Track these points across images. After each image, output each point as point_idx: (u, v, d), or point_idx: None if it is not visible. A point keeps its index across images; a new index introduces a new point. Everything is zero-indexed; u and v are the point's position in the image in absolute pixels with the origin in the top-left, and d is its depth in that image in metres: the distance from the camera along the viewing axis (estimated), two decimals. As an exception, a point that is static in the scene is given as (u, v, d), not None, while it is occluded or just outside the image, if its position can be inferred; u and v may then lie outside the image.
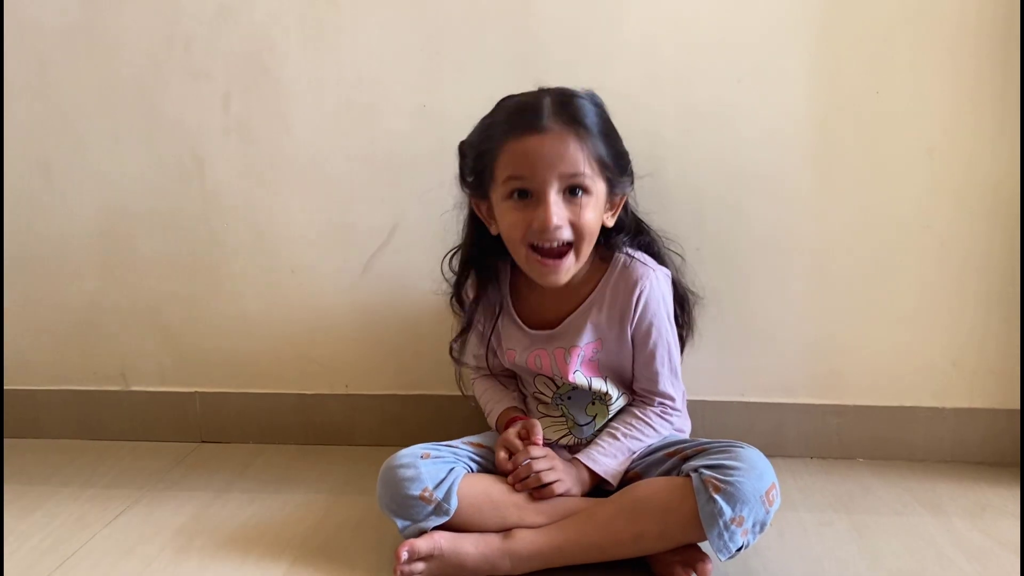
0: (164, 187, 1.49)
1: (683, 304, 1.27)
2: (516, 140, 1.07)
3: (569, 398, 1.22)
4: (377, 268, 1.48)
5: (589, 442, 1.20)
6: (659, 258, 1.24)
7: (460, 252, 1.25)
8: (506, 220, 1.11)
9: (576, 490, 1.13)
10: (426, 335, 1.49)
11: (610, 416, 1.22)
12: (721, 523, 0.99)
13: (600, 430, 1.21)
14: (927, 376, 1.42)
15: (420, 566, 1.05)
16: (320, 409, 1.54)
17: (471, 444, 1.20)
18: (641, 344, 1.19)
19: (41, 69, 1.47)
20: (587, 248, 1.12)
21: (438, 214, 1.43)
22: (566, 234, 1.08)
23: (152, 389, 1.58)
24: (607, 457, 1.16)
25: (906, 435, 1.43)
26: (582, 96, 1.10)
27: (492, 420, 1.27)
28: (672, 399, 1.22)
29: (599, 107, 1.12)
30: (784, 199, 1.39)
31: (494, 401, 1.28)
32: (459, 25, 1.38)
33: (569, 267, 1.12)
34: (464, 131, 1.36)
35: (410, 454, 1.10)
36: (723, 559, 1.00)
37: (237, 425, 1.56)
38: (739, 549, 1.01)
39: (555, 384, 1.22)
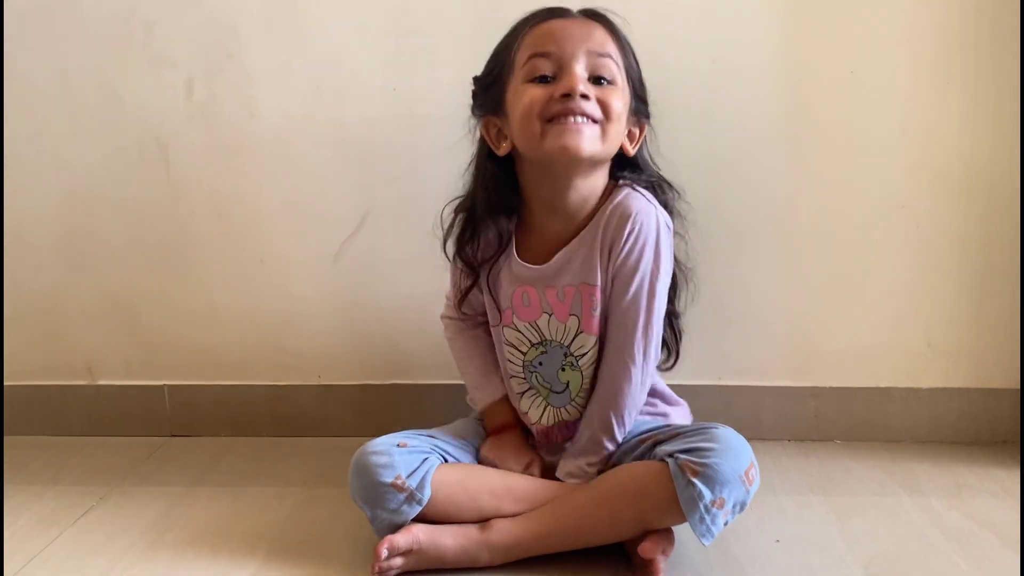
0: (127, 175, 1.46)
1: (674, 283, 1.17)
2: (539, 24, 1.03)
3: (540, 364, 1.15)
4: (348, 256, 1.46)
5: (576, 414, 1.15)
6: (666, 206, 1.13)
7: (465, 199, 1.15)
8: (523, 99, 1.01)
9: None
10: (399, 324, 1.47)
11: (584, 380, 1.13)
12: (702, 507, 0.97)
13: (576, 398, 1.14)
14: (903, 357, 1.42)
15: (398, 561, 1.03)
16: (292, 400, 1.52)
17: (449, 433, 1.18)
18: (618, 292, 1.08)
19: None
20: (614, 135, 1.03)
21: (410, 200, 1.41)
22: (593, 109, 1.00)
23: (119, 383, 1.55)
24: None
25: (883, 416, 1.43)
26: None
27: (476, 404, 1.22)
28: (632, 364, 1.09)
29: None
30: (758, 181, 1.38)
31: (480, 380, 1.22)
32: (426, 4, 1.36)
33: (594, 138, 1.01)
34: (436, 115, 1.34)
35: (385, 442, 1.07)
36: (707, 543, 0.99)
37: (207, 418, 1.54)
38: None
39: (527, 344, 1.14)
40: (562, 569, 1.05)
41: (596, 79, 1.02)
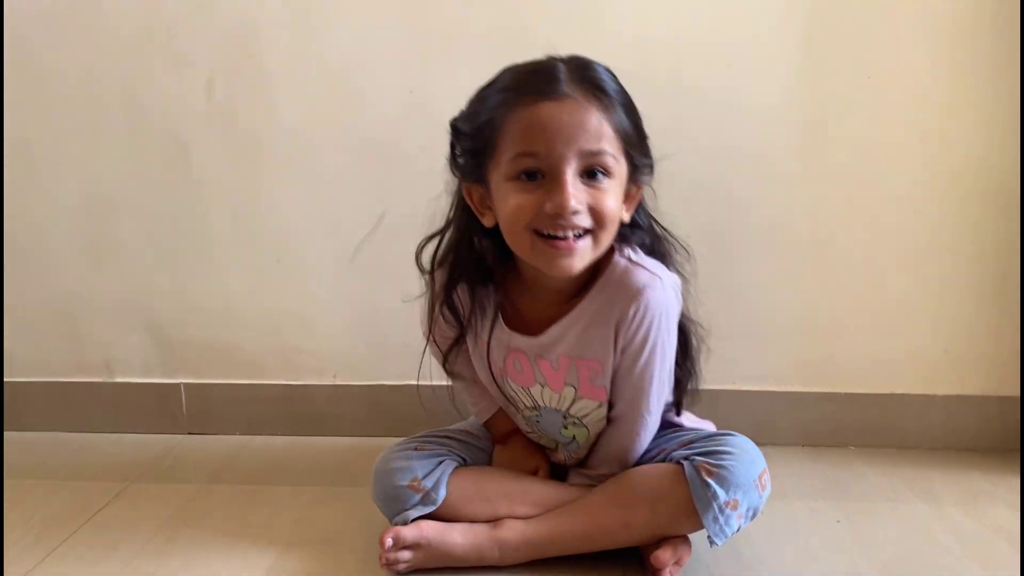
0: (148, 175, 1.47)
1: (686, 341, 1.10)
2: (526, 108, 0.91)
3: (538, 421, 1.13)
4: (364, 257, 1.46)
5: (584, 453, 1.14)
6: (665, 259, 1.06)
7: (446, 248, 1.07)
8: (509, 203, 0.94)
9: None
10: (414, 325, 1.47)
11: (590, 433, 1.11)
12: (716, 507, 0.98)
13: (585, 445, 1.13)
14: (918, 363, 1.42)
15: (407, 555, 1.03)
16: (307, 399, 1.53)
17: (464, 432, 1.19)
18: (630, 361, 1.02)
19: (22, 54, 1.44)
20: (607, 239, 0.96)
21: (427, 202, 1.42)
22: (584, 221, 0.93)
23: (137, 380, 1.56)
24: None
25: (897, 422, 1.43)
26: (600, 64, 0.96)
27: (481, 417, 1.21)
28: (648, 417, 1.07)
29: (617, 79, 0.97)
30: (775, 185, 1.38)
31: (482, 396, 1.19)
32: (444, 6, 1.36)
33: (585, 253, 0.94)
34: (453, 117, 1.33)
35: (403, 447, 1.10)
36: (719, 543, 0.99)
37: (223, 416, 1.54)
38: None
39: (523, 404, 1.12)
40: (573, 570, 1.05)
41: (590, 172, 0.93)
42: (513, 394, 1.12)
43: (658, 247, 1.07)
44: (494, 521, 1.07)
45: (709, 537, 0.99)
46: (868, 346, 1.42)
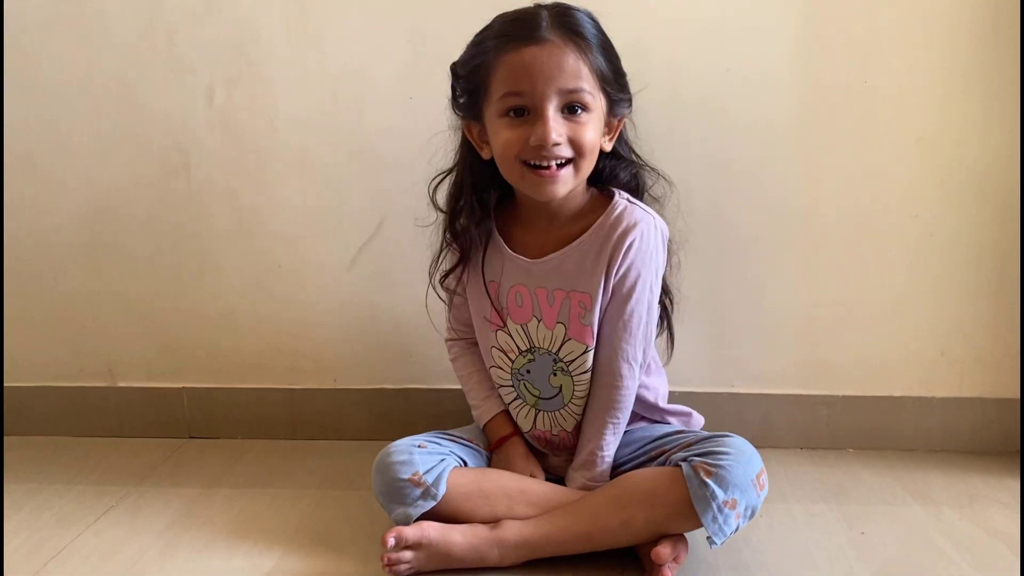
0: (149, 181, 1.48)
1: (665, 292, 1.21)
2: (512, 52, 1.03)
3: (528, 372, 1.18)
4: (365, 262, 1.47)
5: (571, 426, 1.18)
6: (644, 190, 1.19)
7: (453, 180, 1.19)
8: (500, 138, 1.06)
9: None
10: (414, 329, 1.48)
11: (575, 387, 1.16)
12: (715, 506, 0.99)
13: (571, 406, 1.17)
14: (916, 366, 1.42)
15: (408, 555, 1.04)
16: (309, 404, 1.54)
17: (466, 438, 1.20)
18: (620, 300, 1.11)
19: (23, 63, 1.46)
20: (587, 167, 1.07)
21: (425, 207, 1.42)
22: (565, 151, 1.04)
23: (139, 385, 1.57)
24: (601, 468, 1.15)
25: (895, 425, 1.43)
26: (580, 10, 1.06)
27: (480, 420, 1.25)
28: (632, 367, 1.14)
29: (597, 23, 1.07)
30: (771, 189, 1.39)
31: (481, 397, 1.25)
32: (443, 12, 1.37)
33: (567, 179, 1.06)
34: (452, 123, 1.35)
35: (405, 443, 1.11)
36: (718, 543, 1.00)
37: (225, 420, 1.55)
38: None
39: (515, 351, 1.17)
40: (572, 570, 1.06)
41: (570, 107, 1.04)
42: (508, 340, 1.17)
43: (639, 176, 1.19)
44: (493, 522, 1.08)
45: (709, 537, 1.00)
46: (866, 349, 1.43)
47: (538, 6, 1.06)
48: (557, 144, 1.03)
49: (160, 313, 1.53)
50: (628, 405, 1.15)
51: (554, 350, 1.15)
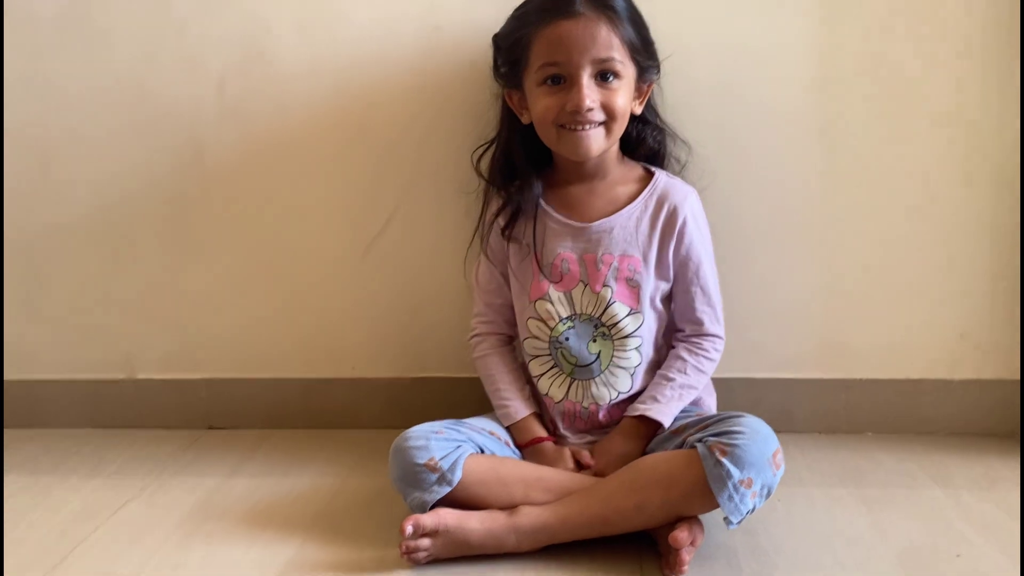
0: (163, 174, 1.48)
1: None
2: (549, 25, 1.12)
3: (567, 339, 1.20)
4: (379, 251, 1.47)
5: (603, 398, 1.19)
6: (666, 155, 1.29)
7: (496, 146, 1.28)
8: (539, 104, 1.15)
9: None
10: (429, 318, 1.48)
11: (614, 353, 1.19)
12: (731, 485, 0.99)
13: (607, 374, 1.19)
14: (935, 348, 1.41)
15: (426, 542, 1.05)
16: (326, 393, 1.54)
17: (485, 429, 1.19)
18: (684, 275, 1.21)
19: (36, 59, 1.46)
20: (618, 129, 1.16)
21: (439, 197, 1.42)
22: (597, 116, 1.13)
23: (158, 376, 1.58)
24: (665, 405, 1.17)
25: (915, 408, 1.42)
26: None
27: (510, 417, 1.23)
28: (718, 336, 1.23)
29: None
30: (789, 172, 1.38)
31: (511, 395, 1.24)
32: (455, 3, 1.36)
33: (600, 139, 1.15)
34: (465, 112, 1.36)
35: (422, 429, 1.12)
36: (735, 522, 1.00)
37: (243, 411, 1.56)
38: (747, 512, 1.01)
39: (556, 318, 1.20)
40: (590, 555, 1.06)
41: (603, 75, 1.12)
42: (548, 308, 1.20)
43: (663, 141, 1.29)
44: (510, 508, 1.08)
45: (725, 517, 1.00)
46: (884, 331, 1.41)
47: None
48: (591, 109, 1.12)
49: (177, 305, 1.54)
50: (703, 378, 1.22)
51: (597, 315, 1.19)
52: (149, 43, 1.43)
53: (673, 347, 1.23)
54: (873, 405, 1.43)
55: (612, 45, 1.11)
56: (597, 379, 1.20)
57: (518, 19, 1.18)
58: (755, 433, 1.02)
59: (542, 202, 1.23)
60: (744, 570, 1.03)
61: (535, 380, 1.24)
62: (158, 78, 1.44)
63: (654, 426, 1.17)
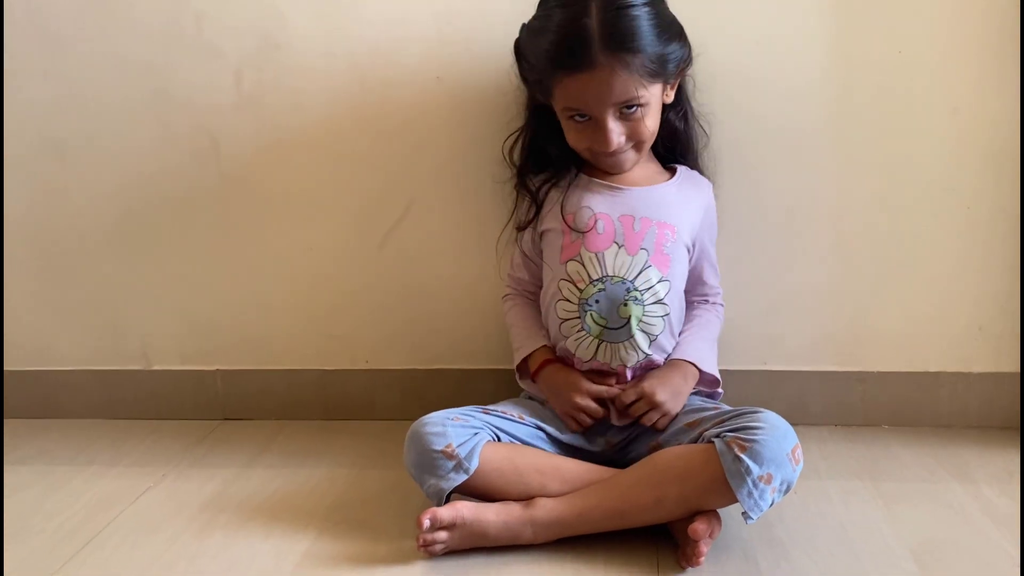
0: (179, 165, 1.48)
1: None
2: (567, 76, 1.10)
3: (597, 301, 1.18)
4: (394, 243, 1.47)
5: (631, 360, 1.19)
6: (694, 140, 1.32)
7: (525, 133, 1.29)
8: (569, 134, 1.18)
9: (677, 406, 1.17)
10: (444, 309, 1.48)
11: (644, 316, 1.18)
12: (750, 481, 0.98)
13: (636, 336, 1.18)
14: (952, 341, 1.40)
15: (443, 535, 1.05)
16: (341, 385, 1.55)
17: (505, 411, 1.18)
18: (703, 251, 1.28)
19: (53, 50, 1.46)
20: (650, 142, 1.19)
21: (454, 188, 1.42)
22: (627, 144, 1.16)
23: (174, 368, 1.58)
24: (705, 352, 1.24)
25: (932, 401, 1.41)
26: (624, 8, 1.08)
27: (520, 354, 1.26)
28: (721, 294, 1.33)
29: (648, 5, 1.10)
30: (805, 163, 1.37)
31: (525, 335, 1.28)
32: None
33: (633, 157, 1.19)
34: (480, 103, 1.35)
35: (439, 416, 1.11)
36: (754, 518, 1.00)
37: (259, 402, 1.57)
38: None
39: (586, 280, 1.19)
40: (606, 548, 1.06)
41: (628, 105, 1.12)
42: (579, 269, 1.20)
43: (691, 126, 1.30)
44: (527, 500, 1.08)
45: (744, 512, 1.00)
46: (901, 324, 1.41)
47: (585, 7, 1.08)
48: (619, 144, 1.14)
49: (193, 296, 1.55)
50: (719, 326, 1.31)
51: (630, 278, 1.18)
52: (165, 35, 1.43)
53: (692, 307, 1.28)
54: (890, 398, 1.42)
55: (631, 86, 1.09)
56: (627, 342, 1.18)
57: (535, 51, 1.14)
58: (774, 429, 1.01)
59: (579, 174, 1.25)
60: (760, 561, 1.03)
61: (563, 341, 1.22)
62: (174, 70, 1.44)
63: (696, 372, 1.21)
